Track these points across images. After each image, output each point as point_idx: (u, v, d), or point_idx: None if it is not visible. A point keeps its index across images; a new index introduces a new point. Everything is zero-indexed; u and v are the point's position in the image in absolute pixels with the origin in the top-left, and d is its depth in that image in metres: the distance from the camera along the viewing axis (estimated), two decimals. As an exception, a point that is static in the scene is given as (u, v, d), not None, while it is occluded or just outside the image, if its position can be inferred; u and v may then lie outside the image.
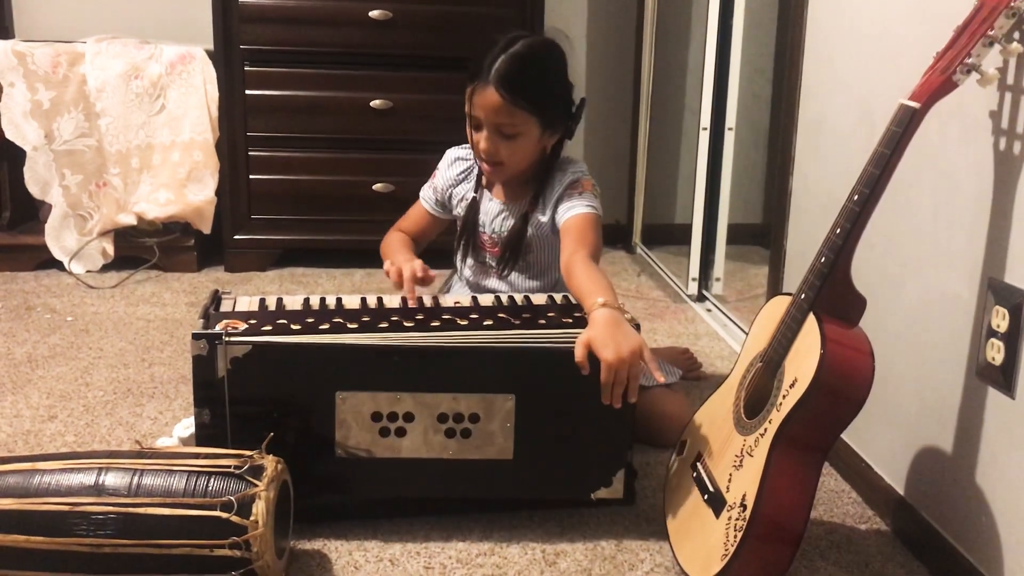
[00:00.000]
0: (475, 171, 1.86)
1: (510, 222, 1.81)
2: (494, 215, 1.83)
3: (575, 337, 1.43)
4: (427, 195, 1.92)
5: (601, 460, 1.51)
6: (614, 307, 1.44)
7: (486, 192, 1.85)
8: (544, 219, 1.78)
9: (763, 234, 2.96)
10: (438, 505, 1.53)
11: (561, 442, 1.50)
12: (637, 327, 1.45)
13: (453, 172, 1.89)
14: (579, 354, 1.40)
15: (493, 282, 1.87)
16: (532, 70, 1.67)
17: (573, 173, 1.77)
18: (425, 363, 1.45)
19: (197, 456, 1.34)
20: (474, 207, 1.85)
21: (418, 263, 1.69)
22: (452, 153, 1.91)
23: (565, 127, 1.77)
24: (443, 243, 1.99)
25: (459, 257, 1.91)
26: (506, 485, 1.51)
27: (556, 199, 1.76)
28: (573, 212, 1.71)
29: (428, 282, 1.68)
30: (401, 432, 1.46)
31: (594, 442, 1.50)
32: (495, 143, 1.70)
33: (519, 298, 1.66)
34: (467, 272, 1.90)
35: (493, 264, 1.86)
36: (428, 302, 1.61)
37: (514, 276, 1.84)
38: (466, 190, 1.87)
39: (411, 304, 1.58)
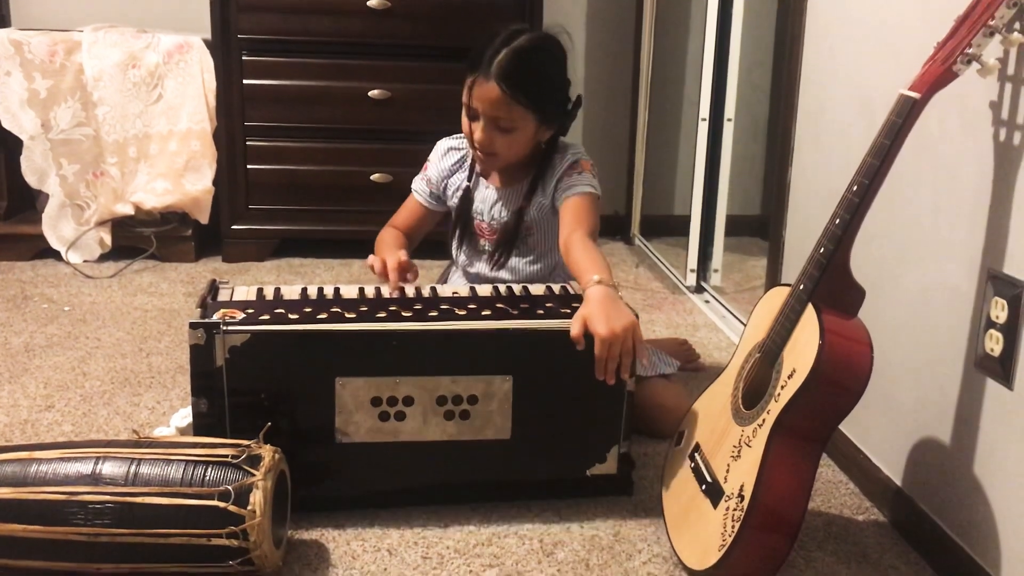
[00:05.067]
0: (468, 159, 1.86)
1: (508, 209, 1.81)
2: (491, 202, 1.83)
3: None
4: (420, 187, 1.91)
5: (596, 437, 1.54)
6: (609, 284, 1.47)
7: (481, 180, 1.85)
8: (545, 200, 1.78)
9: (762, 225, 2.96)
10: (437, 491, 1.53)
11: (557, 421, 1.52)
12: (636, 317, 1.45)
13: (447, 163, 1.88)
14: (575, 330, 1.42)
15: (494, 271, 1.86)
16: (533, 66, 1.68)
17: (573, 155, 1.78)
18: (423, 347, 1.45)
19: (195, 445, 1.33)
20: (468, 195, 1.85)
21: (402, 253, 1.69)
22: (444, 144, 1.91)
23: (560, 123, 1.78)
24: (439, 234, 1.99)
25: (454, 246, 1.91)
26: (504, 465, 1.53)
27: (556, 180, 1.77)
28: (573, 192, 1.73)
29: (412, 276, 1.68)
30: (401, 416, 1.47)
31: (589, 420, 1.53)
32: (490, 135, 1.70)
33: (517, 288, 1.67)
34: (463, 259, 1.90)
35: (492, 251, 1.85)
36: (410, 292, 1.61)
37: (514, 260, 1.84)
38: (460, 179, 1.86)
39: (394, 294, 1.58)
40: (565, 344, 1.44)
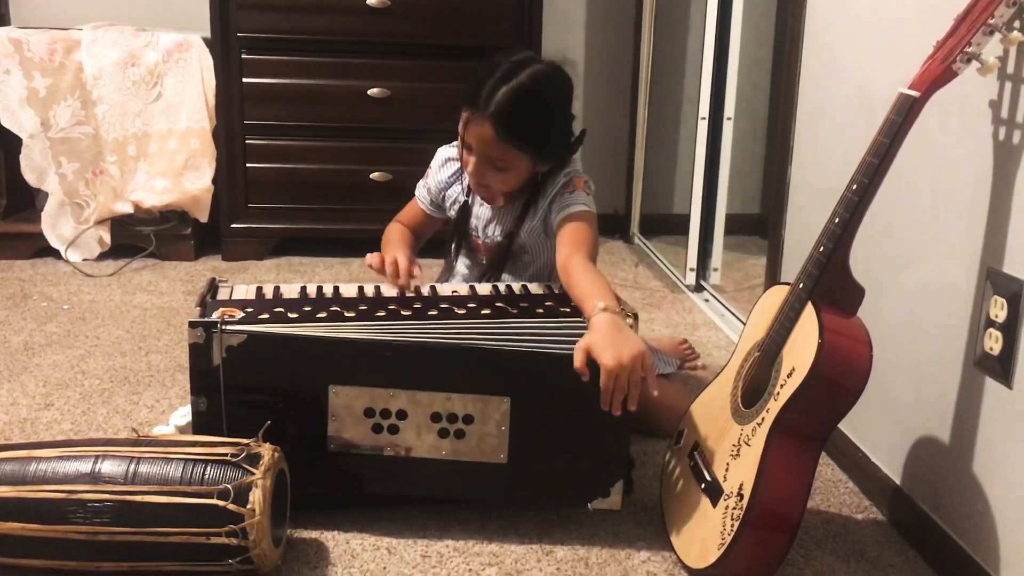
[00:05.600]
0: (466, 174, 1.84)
1: (501, 228, 1.79)
2: (486, 220, 1.80)
3: (573, 330, 1.42)
4: (422, 195, 1.89)
5: (598, 469, 1.46)
6: (615, 311, 1.39)
7: (477, 197, 1.83)
8: (536, 223, 1.74)
9: (761, 224, 2.96)
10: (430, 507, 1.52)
11: (557, 448, 1.45)
12: (635, 317, 1.44)
13: (444, 174, 1.85)
14: (578, 360, 1.35)
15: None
16: (532, 108, 1.61)
17: (566, 174, 1.71)
18: (419, 360, 1.42)
19: (194, 444, 1.33)
20: (465, 211, 1.82)
21: (403, 256, 1.65)
22: (443, 153, 1.86)
23: (559, 159, 1.71)
24: (441, 233, 1.98)
25: (452, 257, 1.89)
26: (500, 489, 1.47)
27: (549, 200, 1.71)
28: (567, 212, 1.66)
29: (418, 273, 1.67)
30: (394, 429, 1.44)
31: (592, 450, 1.45)
32: (483, 171, 1.65)
33: (516, 287, 1.66)
34: (463, 270, 1.89)
35: (484, 269, 1.84)
36: (425, 291, 1.60)
37: (508, 277, 1.79)
38: (458, 192, 1.84)
39: (396, 292, 1.56)
40: (568, 368, 1.36)
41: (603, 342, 1.34)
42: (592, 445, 1.45)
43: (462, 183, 1.83)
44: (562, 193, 1.69)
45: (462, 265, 1.89)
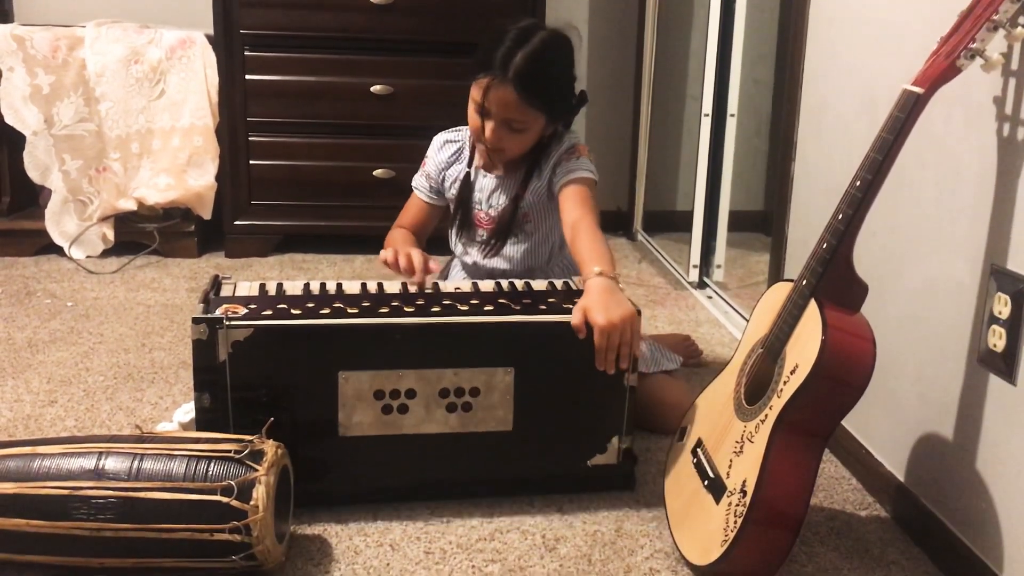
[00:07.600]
0: (466, 150, 1.87)
1: (506, 196, 1.82)
2: (489, 191, 1.84)
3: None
4: (420, 183, 1.92)
5: (596, 428, 1.55)
6: (610, 276, 1.49)
7: (480, 169, 1.86)
8: (541, 184, 1.79)
9: (764, 221, 2.97)
10: (440, 484, 1.54)
11: (559, 412, 1.53)
12: (638, 313, 1.45)
13: (444, 155, 1.89)
14: (575, 319, 1.45)
15: (488, 259, 1.86)
16: (548, 69, 1.69)
17: (569, 139, 1.80)
18: (426, 340, 1.46)
19: (197, 441, 1.34)
20: (467, 184, 1.85)
21: (416, 251, 1.68)
22: (440, 137, 1.92)
23: (566, 119, 1.80)
24: (440, 230, 1.99)
25: (453, 234, 1.91)
26: (506, 457, 1.53)
27: (553, 164, 1.78)
28: (573, 176, 1.73)
29: (435, 267, 1.69)
30: (403, 409, 1.47)
31: (590, 411, 1.53)
32: (501, 134, 1.71)
33: (520, 284, 1.67)
34: (459, 248, 1.91)
35: (487, 239, 1.86)
36: (428, 288, 1.61)
37: (511, 248, 1.84)
38: (459, 170, 1.87)
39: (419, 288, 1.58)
40: (566, 336, 1.46)
41: (597, 304, 1.44)
42: (590, 405, 1.53)
43: (462, 161, 1.87)
44: (568, 157, 1.77)
45: (460, 245, 1.90)
